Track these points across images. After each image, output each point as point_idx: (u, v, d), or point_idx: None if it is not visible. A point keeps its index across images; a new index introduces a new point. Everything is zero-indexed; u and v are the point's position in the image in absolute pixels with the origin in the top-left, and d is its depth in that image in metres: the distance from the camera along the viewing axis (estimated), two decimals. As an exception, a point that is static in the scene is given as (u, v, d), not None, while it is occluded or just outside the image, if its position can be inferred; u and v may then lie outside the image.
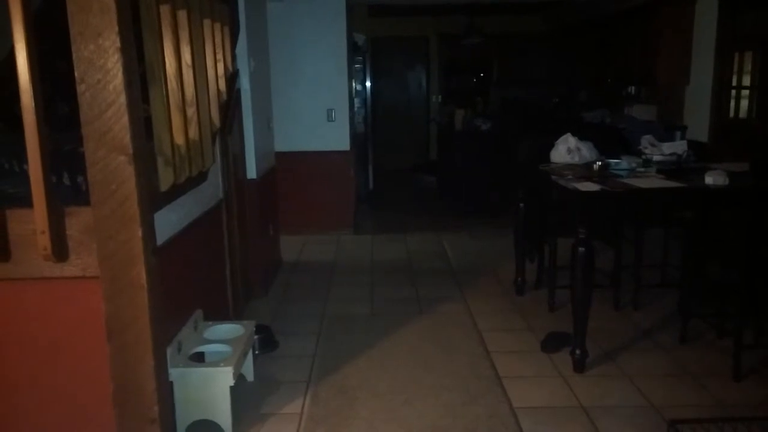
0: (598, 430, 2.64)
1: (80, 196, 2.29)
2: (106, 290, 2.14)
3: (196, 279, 3.14)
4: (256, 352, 3.23)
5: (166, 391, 2.34)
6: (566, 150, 3.94)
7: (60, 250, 2.15)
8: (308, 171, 6.03)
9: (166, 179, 2.49)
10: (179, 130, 2.66)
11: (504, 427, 2.68)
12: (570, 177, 3.40)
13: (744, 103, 5.17)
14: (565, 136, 3.99)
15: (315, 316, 4.03)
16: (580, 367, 3.16)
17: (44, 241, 2.10)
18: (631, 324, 3.80)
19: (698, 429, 1.61)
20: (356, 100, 7.33)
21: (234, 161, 3.87)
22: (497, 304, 4.18)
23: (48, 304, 2.28)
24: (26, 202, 2.13)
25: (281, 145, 5.52)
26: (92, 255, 2.16)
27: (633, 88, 6.79)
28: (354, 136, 6.38)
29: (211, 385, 2.59)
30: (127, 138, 2.07)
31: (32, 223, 2.11)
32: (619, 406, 2.85)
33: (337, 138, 6.07)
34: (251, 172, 4.30)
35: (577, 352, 3.17)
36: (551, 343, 3.44)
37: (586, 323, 3.17)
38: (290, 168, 5.77)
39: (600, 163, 3.59)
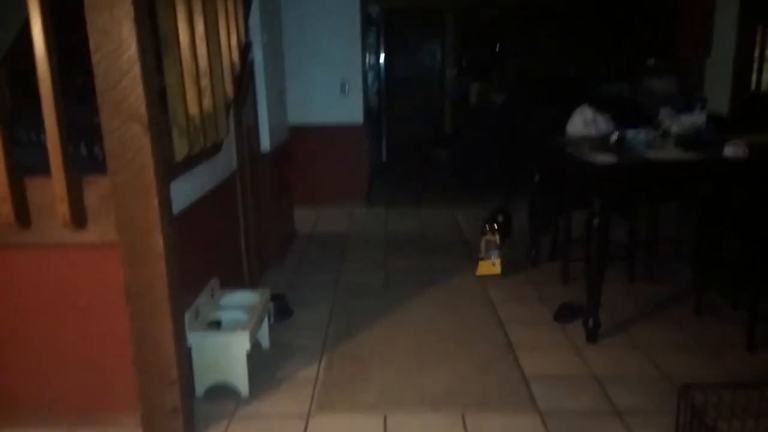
0: (610, 399, 2.66)
1: (97, 165, 2.32)
2: (125, 257, 2.18)
3: (212, 248, 3.19)
4: (272, 320, 3.28)
5: (184, 354, 2.40)
6: (582, 122, 3.90)
7: (79, 218, 2.19)
8: (322, 144, 6.04)
9: (181, 149, 2.51)
10: (193, 101, 2.68)
11: (516, 394, 2.71)
12: (586, 149, 3.38)
13: (766, 77, 5.08)
14: (581, 108, 3.95)
15: (329, 286, 4.07)
16: (592, 337, 3.18)
17: (63, 209, 2.14)
18: (645, 296, 3.79)
19: (710, 394, 1.62)
20: (370, 73, 7.29)
21: (247, 133, 3.88)
22: (510, 276, 4.19)
23: (68, 270, 2.34)
24: (44, 171, 2.18)
25: (294, 118, 5.52)
26: (110, 222, 2.20)
27: (652, 59, 6.68)
28: (367, 110, 6.36)
29: (228, 350, 2.64)
30: (142, 107, 2.09)
31: (51, 191, 2.15)
32: (631, 375, 2.86)
33: (350, 111, 6.05)
34: (265, 145, 4.31)
35: (590, 322, 3.18)
36: (564, 314, 3.45)
37: (599, 294, 3.18)
38: (304, 141, 5.77)
39: (617, 135, 3.55)
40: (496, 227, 4.11)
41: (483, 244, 4.13)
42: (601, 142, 3.53)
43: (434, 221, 5.73)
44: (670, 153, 3.29)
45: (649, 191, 3.23)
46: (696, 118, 3.87)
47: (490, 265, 4.04)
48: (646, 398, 2.66)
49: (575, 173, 3.39)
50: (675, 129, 3.73)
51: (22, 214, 2.20)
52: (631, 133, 3.59)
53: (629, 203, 3.83)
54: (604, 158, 3.15)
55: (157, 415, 2.35)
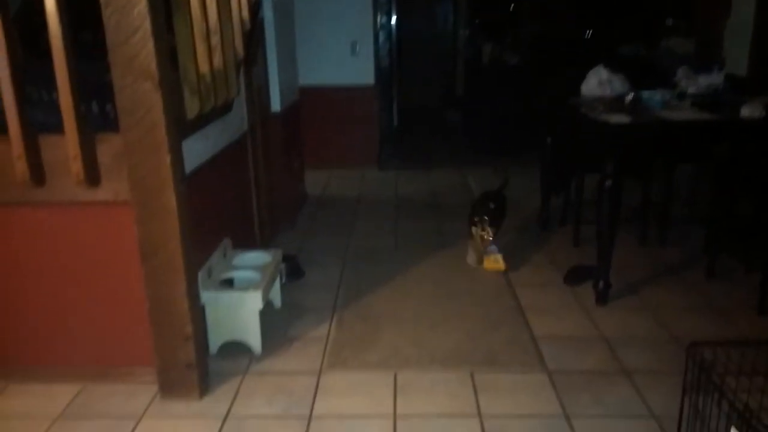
0: (618, 359, 2.68)
1: (109, 124, 2.33)
2: (138, 215, 2.20)
3: (224, 208, 3.20)
4: (283, 280, 3.31)
5: (198, 311, 2.44)
6: (597, 82, 3.84)
7: (92, 176, 2.20)
8: (332, 106, 6.00)
9: (192, 108, 2.51)
10: (204, 58, 2.66)
11: (524, 353, 2.74)
12: (600, 110, 3.33)
13: (787, 37, 4.94)
14: (596, 68, 3.88)
15: (340, 248, 4.09)
16: (602, 299, 3.19)
17: (77, 166, 2.16)
18: (657, 259, 3.79)
19: (719, 352, 1.63)
20: (381, 34, 7.16)
21: (258, 93, 3.86)
22: (521, 238, 4.19)
23: (83, 227, 2.37)
24: (57, 130, 2.18)
25: (305, 79, 5.47)
26: (123, 180, 2.21)
27: (670, 20, 6.52)
28: (379, 71, 6.29)
29: (240, 309, 2.68)
30: (153, 64, 2.08)
31: (65, 149, 2.17)
32: (641, 337, 2.88)
33: (361, 72, 5.99)
34: (275, 105, 4.29)
35: (600, 284, 3.19)
36: (574, 276, 3.46)
37: (610, 257, 3.18)
38: (314, 102, 5.73)
39: (632, 95, 3.50)
40: (486, 219, 3.65)
41: (473, 242, 3.71)
42: (616, 103, 3.48)
43: (445, 184, 5.72)
44: (686, 113, 3.24)
45: (663, 152, 3.19)
46: (713, 79, 3.80)
47: (494, 261, 3.67)
48: (654, 359, 2.68)
49: (589, 134, 3.35)
50: (692, 90, 3.67)
51: (37, 172, 2.22)
52: (646, 94, 3.53)
53: (643, 165, 3.80)
54: (619, 118, 3.11)
55: (172, 370, 2.41)
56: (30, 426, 2.30)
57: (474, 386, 2.50)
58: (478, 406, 2.37)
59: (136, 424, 2.30)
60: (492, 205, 3.76)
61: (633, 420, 2.27)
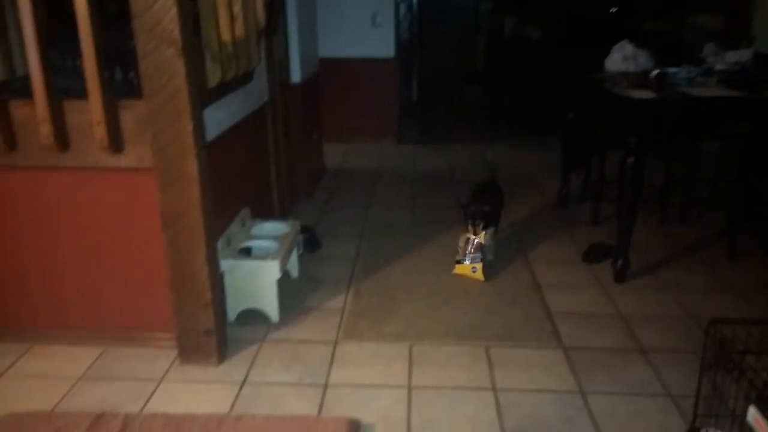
0: (636, 337, 2.68)
1: (132, 90, 2.33)
2: (160, 181, 2.22)
3: (243, 178, 3.22)
4: (301, 251, 3.33)
5: (217, 279, 2.47)
6: (621, 57, 3.77)
7: (115, 142, 2.22)
8: (352, 78, 5.96)
9: (213, 76, 2.50)
10: (226, 26, 2.64)
11: (540, 329, 2.75)
12: (624, 85, 3.28)
13: (819, 13, 4.81)
14: (621, 43, 3.81)
15: (357, 221, 4.10)
16: (621, 277, 3.17)
17: (100, 132, 2.17)
18: (677, 238, 3.75)
19: (739, 331, 1.61)
20: (402, 6, 7.08)
21: (278, 64, 3.84)
22: (540, 215, 4.17)
23: (106, 193, 2.40)
24: (81, 96, 2.19)
25: (324, 50, 5.43)
26: (146, 147, 2.22)
27: (699, -6, 6.36)
28: (399, 44, 6.22)
29: (259, 277, 2.70)
30: (176, 30, 2.07)
31: (89, 114, 2.18)
32: (659, 315, 2.87)
33: (381, 44, 5.94)
34: (295, 76, 4.27)
35: (619, 262, 3.17)
36: (593, 254, 3.44)
37: (630, 235, 3.15)
38: (334, 74, 5.70)
39: (657, 71, 3.43)
40: (480, 221, 3.24)
41: (462, 241, 3.30)
42: (641, 79, 3.41)
43: (464, 159, 5.68)
44: (712, 90, 3.17)
45: (687, 129, 3.13)
46: (741, 56, 3.71)
47: (469, 269, 3.22)
48: (672, 337, 2.67)
49: (612, 109, 3.31)
50: (719, 66, 3.59)
51: (61, 137, 2.24)
52: (672, 70, 3.46)
53: (666, 142, 3.74)
54: (643, 94, 3.06)
55: (191, 336, 2.44)
56: (53, 385, 2.35)
57: (489, 360, 2.51)
58: (493, 380, 2.38)
59: (156, 387, 2.35)
60: (486, 208, 3.30)
61: (648, 398, 2.27)
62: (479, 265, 3.20)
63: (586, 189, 4.33)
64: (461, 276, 3.24)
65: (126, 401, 2.26)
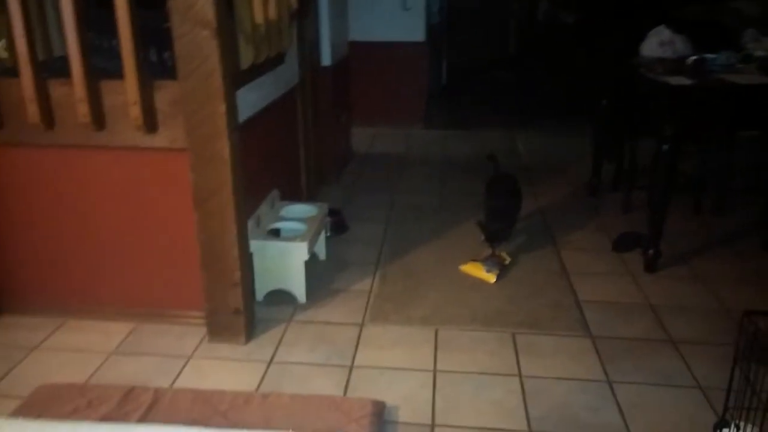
0: (665, 328, 2.64)
1: (167, 71, 2.36)
2: (192, 161, 2.25)
3: (273, 160, 3.24)
4: (328, 233, 3.35)
5: (247, 259, 2.50)
6: (658, 42, 3.69)
7: (150, 122, 2.25)
8: (381, 62, 5.93)
9: (246, 57, 2.52)
10: (259, 9, 2.65)
11: (568, 317, 2.73)
12: (660, 71, 3.21)
13: None
14: (658, 28, 3.73)
15: (384, 205, 4.11)
16: (652, 266, 3.13)
17: (136, 112, 2.21)
18: (711, 229, 3.68)
19: (775, 323, 1.58)
20: (433, -11, 7.02)
21: (309, 47, 3.84)
22: (569, 203, 4.13)
23: (140, 172, 2.43)
24: (117, 77, 2.23)
25: (354, 34, 5.41)
26: (179, 128, 2.25)
27: (739, -21, 6.17)
28: (429, 27, 6.17)
29: (287, 258, 2.73)
30: (210, 12, 2.08)
31: (124, 95, 2.21)
32: (689, 306, 2.82)
33: (411, 28, 5.88)
34: (326, 59, 4.26)
35: (650, 252, 3.13)
36: (623, 243, 3.40)
37: (662, 224, 3.10)
38: (363, 58, 5.66)
39: (695, 57, 3.35)
40: (499, 242, 3.23)
41: (483, 257, 3.18)
42: (677, 65, 3.34)
43: (493, 145, 5.62)
44: (751, 77, 3.09)
45: (724, 117, 3.06)
46: (784, 43, 3.60)
47: (482, 270, 3.08)
48: (702, 329, 2.63)
49: (647, 96, 3.24)
50: (759, 53, 3.48)
51: (98, 116, 2.28)
52: (710, 56, 3.38)
53: (702, 130, 3.66)
54: (680, 80, 2.99)
55: (220, 314, 2.48)
56: (87, 359, 2.42)
57: (515, 347, 2.51)
58: (519, 367, 2.38)
59: (185, 364, 2.40)
60: (503, 225, 3.27)
61: (677, 389, 2.25)
62: (495, 272, 3.06)
63: (618, 177, 4.26)
64: (468, 274, 3.10)
65: (156, 376, 2.31)
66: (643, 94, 3.30)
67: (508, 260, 3.19)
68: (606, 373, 2.33)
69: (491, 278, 3.04)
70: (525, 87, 7.35)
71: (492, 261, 3.13)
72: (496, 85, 8.43)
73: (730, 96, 3.00)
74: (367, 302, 2.85)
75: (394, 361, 2.42)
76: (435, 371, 2.35)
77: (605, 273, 3.15)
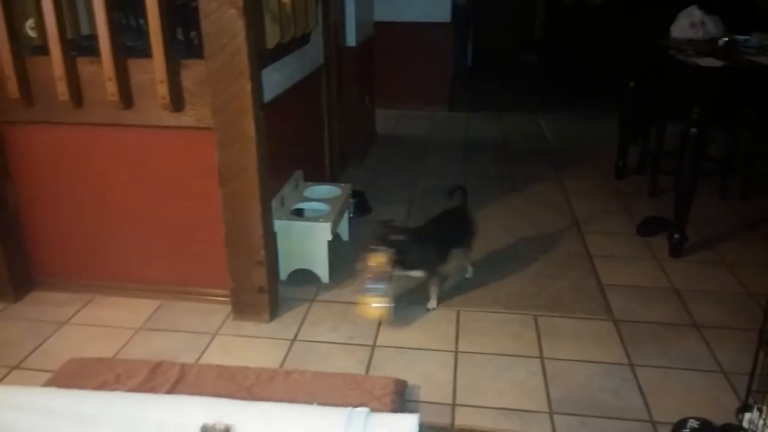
0: (689, 312, 2.62)
1: (193, 50, 2.37)
2: (218, 140, 2.27)
3: (298, 140, 3.25)
4: (351, 215, 3.37)
5: (271, 238, 2.53)
6: (689, 23, 3.62)
7: (177, 100, 2.27)
8: (406, 43, 5.89)
9: (272, 37, 2.52)
10: (285, -13, 2.65)
11: (591, 300, 2.72)
12: (690, 53, 3.15)
13: None
14: (688, 9, 3.65)
15: (408, 187, 4.11)
16: (677, 251, 3.09)
17: (163, 90, 2.23)
18: (738, 214, 3.63)
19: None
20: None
21: (334, 27, 3.83)
22: (594, 186, 4.09)
23: (166, 151, 2.47)
24: (144, 55, 2.25)
25: (379, 14, 5.37)
26: (205, 106, 2.27)
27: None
28: (455, 8, 6.10)
29: (310, 238, 2.75)
30: (237, -10, 2.09)
31: (151, 73, 2.23)
32: (714, 291, 2.79)
33: (437, 8, 5.82)
34: (350, 40, 4.25)
35: (676, 236, 3.09)
36: (648, 227, 3.36)
37: (688, 208, 3.06)
38: (388, 39, 5.63)
39: (726, 39, 3.28)
40: (391, 241, 2.43)
41: (364, 268, 2.44)
42: (708, 46, 3.28)
43: (517, 127, 5.59)
44: (786, 60, 3.02)
45: (755, 100, 2.99)
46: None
47: (371, 305, 2.40)
48: (727, 314, 2.61)
49: (676, 78, 3.18)
50: (794, 35, 3.40)
51: (125, 95, 2.31)
52: (742, 38, 3.30)
53: (732, 113, 3.59)
54: (710, 62, 2.93)
55: (245, 292, 2.52)
56: (114, 334, 2.47)
57: (537, 329, 2.51)
58: (540, 349, 2.38)
59: (211, 340, 2.44)
60: (401, 237, 2.47)
61: (700, 373, 2.23)
62: (383, 300, 2.39)
63: (644, 160, 4.20)
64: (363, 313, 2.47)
65: (182, 353, 2.35)
66: (672, 77, 3.25)
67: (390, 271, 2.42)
68: (628, 357, 2.33)
69: (383, 317, 2.44)
70: (551, 69, 7.25)
71: (374, 286, 2.40)
72: (522, 67, 8.34)
73: (762, 79, 2.93)
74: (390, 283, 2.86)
75: (416, 341, 2.44)
76: (456, 352, 2.37)
77: (629, 257, 3.13)
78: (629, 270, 2.99)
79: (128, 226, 2.62)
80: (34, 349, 2.39)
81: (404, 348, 2.40)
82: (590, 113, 5.81)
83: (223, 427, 1.07)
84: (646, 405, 2.07)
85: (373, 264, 2.39)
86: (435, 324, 2.55)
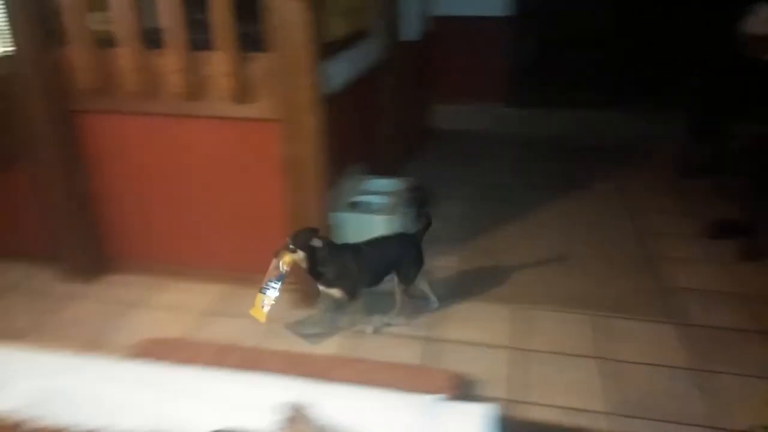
0: (758, 318, 2.52)
1: (258, 44, 2.42)
2: (281, 132, 2.31)
3: (357, 133, 3.28)
4: (410, 209, 3.36)
5: (330, 229, 2.56)
6: (763, 19, 3.45)
7: (241, 92, 2.34)
8: (466, 37, 5.82)
9: (335, 30, 2.55)
10: (348, -18, 2.68)
11: (652, 302, 2.65)
12: (763, 50, 3.01)
13: None
14: (761, 4, 3.47)
15: (466, 183, 4.08)
16: (748, 255, 2.97)
17: (228, 83, 2.29)
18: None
19: None
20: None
21: (394, 21, 3.83)
22: (658, 186, 3.97)
23: (231, 141, 2.53)
24: (209, 48, 2.31)
25: (440, 8, 5.33)
26: (269, 98, 2.32)
27: None
28: (517, 1, 6.00)
29: (369, 231, 2.76)
30: (302, -16, 2.12)
31: (218, 66, 2.30)
32: (786, 297, 2.68)
33: (497, 2, 5.74)
34: (410, 34, 4.24)
35: (746, 240, 2.97)
36: (716, 230, 3.23)
37: (760, 212, 2.93)
38: (448, 33, 5.59)
39: (806, 33, 3.12)
40: (308, 246, 2.23)
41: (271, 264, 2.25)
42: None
43: (579, 124, 5.47)
44: None
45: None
46: None
47: (259, 305, 2.20)
48: (800, 321, 2.50)
49: (750, 75, 3.05)
50: None
51: (192, 87, 2.38)
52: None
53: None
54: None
55: (303, 282, 2.55)
56: (181, 317, 2.57)
57: (597, 330, 2.46)
58: (599, 349, 2.34)
59: (270, 327, 2.48)
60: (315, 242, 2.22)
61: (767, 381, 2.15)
62: (271, 298, 2.19)
63: (712, 160, 4.04)
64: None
65: (243, 338, 2.41)
66: (744, 74, 3.11)
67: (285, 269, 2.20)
68: (691, 361, 2.26)
69: (260, 316, 2.20)
70: (616, 64, 7.04)
71: (272, 284, 2.21)
72: (587, 62, 8.12)
73: None
74: (448, 277, 2.86)
75: (473, 336, 2.43)
76: (515, 349, 2.35)
77: (695, 259, 3.02)
78: (696, 273, 2.89)
79: (193, 213, 2.70)
80: (106, 330, 2.50)
81: (461, 342, 2.40)
82: (655, 109, 5.62)
83: (303, 406, 1.10)
84: (711, 411, 2.01)
85: (282, 262, 2.20)
86: (492, 320, 2.53)
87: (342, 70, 2.82)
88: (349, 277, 2.35)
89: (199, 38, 2.54)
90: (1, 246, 2.97)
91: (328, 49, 2.53)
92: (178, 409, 1.22)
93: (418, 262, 2.50)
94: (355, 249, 2.39)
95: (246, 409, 1.19)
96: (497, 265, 2.96)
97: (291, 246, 2.21)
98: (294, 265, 2.22)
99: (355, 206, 2.95)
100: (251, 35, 2.57)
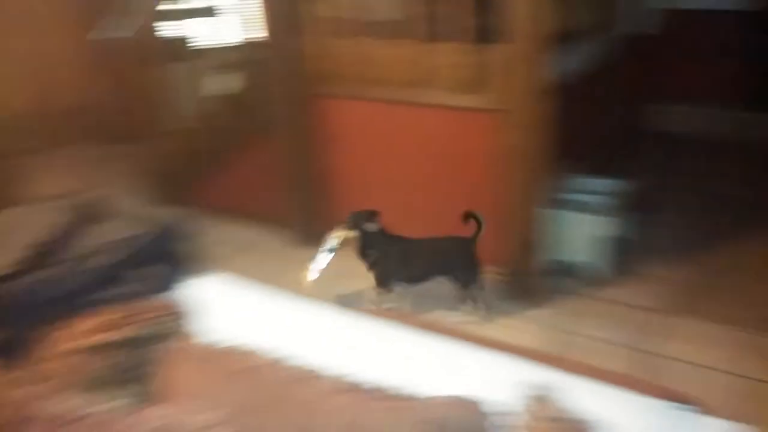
0: None
1: (488, 35, 2.43)
2: (505, 123, 2.30)
3: (579, 129, 3.13)
4: (625, 212, 3.15)
5: (543, 225, 2.51)
6: None
7: (469, 83, 2.36)
8: (699, 33, 5.26)
9: (567, 22, 2.47)
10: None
11: None
12: None
13: None
14: None
15: (692, 189, 3.70)
16: None
17: (457, 73, 2.33)
18: None
19: None
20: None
21: (620, 15, 3.62)
22: None
23: (451, 130, 2.58)
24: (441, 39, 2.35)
25: (672, 1, 4.88)
26: (493, 89, 2.31)
27: None
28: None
29: (582, 231, 2.66)
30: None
31: (447, 56, 2.35)
32: None
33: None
34: (640, 28, 3.97)
35: None
36: None
37: None
38: (680, 28, 5.08)
39: None
40: (359, 227, 2.37)
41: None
42: None
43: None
44: None
45: None
46: None
47: (306, 270, 2.35)
48: None
49: None
50: None
51: (421, 76, 2.46)
52: None
53: None
54: None
55: (510, 274, 2.56)
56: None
57: None
58: None
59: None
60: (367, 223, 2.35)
61: None
62: (317, 266, 2.33)
63: None
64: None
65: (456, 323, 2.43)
66: None
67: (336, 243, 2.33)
68: None
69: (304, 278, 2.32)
70: None
71: (323, 255, 2.34)
72: None
73: None
74: (669, 290, 2.63)
75: (693, 356, 2.21)
76: (752, 378, 2.09)
77: None
78: None
79: (410, 197, 2.78)
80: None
81: (677, 360, 2.21)
82: None
83: (551, 389, 1.07)
84: None
85: (333, 235, 2.36)
86: (721, 342, 2.28)
87: (570, 63, 2.72)
88: (385, 266, 2.42)
89: (429, 29, 2.62)
90: (243, 207, 3.35)
91: (558, 41, 2.45)
92: (423, 374, 1.24)
93: (473, 266, 2.43)
94: (404, 243, 2.43)
95: (489, 382, 1.19)
96: (730, 282, 2.67)
97: (348, 224, 2.33)
98: (346, 242, 2.35)
99: (565, 204, 2.83)
100: (481, 26, 2.59)
